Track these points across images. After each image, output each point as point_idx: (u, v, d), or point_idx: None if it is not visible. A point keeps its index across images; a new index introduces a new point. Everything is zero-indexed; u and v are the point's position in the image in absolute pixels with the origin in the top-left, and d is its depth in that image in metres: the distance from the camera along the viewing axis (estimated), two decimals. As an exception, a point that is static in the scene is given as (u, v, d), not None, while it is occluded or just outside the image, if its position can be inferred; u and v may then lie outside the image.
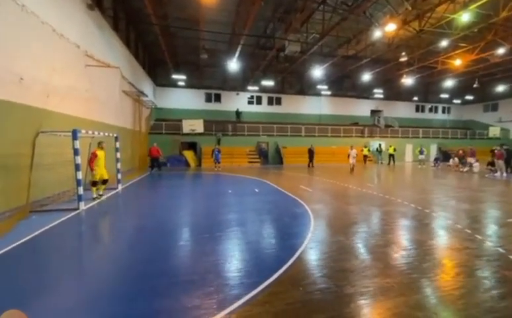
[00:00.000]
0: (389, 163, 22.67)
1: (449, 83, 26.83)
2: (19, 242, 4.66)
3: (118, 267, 3.98)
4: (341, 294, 3.09)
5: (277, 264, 3.82)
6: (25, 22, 6.18)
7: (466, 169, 16.80)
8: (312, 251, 4.37)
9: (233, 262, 3.94)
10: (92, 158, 8.09)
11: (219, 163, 17.95)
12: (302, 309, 2.83)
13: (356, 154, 17.29)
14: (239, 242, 4.80)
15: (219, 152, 18.19)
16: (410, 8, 11.45)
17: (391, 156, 22.50)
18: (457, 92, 32.24)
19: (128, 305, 2.92)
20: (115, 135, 9.97)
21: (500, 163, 14.21)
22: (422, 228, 5.66)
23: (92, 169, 8.11)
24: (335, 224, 5.91)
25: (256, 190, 10.22)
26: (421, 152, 21.49)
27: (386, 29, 12.72)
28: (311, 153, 20.49)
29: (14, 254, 4.27)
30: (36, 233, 5.16)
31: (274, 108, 28.54)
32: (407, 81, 24.28)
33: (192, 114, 24.61)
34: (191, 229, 5.81)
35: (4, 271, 3.75)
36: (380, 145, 24.40)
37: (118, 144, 10.15)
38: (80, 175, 6.93)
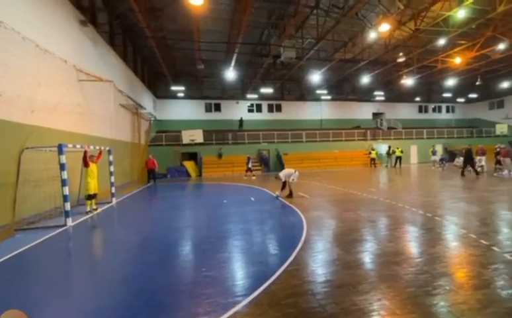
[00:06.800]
0: (394, 166, 22.16)
1: (451, 81, 26.26)
2: (-5, 264, 4.47)
3: (95, 285, 3.74)
4: (324, 314, 2.77)
5: (258, 281, 3.50)
6: (2, 38, 6.08)
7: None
8: (300, 264, 4.04)
9: (211, 281, 3.63)
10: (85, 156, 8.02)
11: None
12: (278, 333, 2.52)
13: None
14: (223, 257, 4.48)
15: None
16: (402, 8, 11.23)
17: (398, 158, 21.95)
18: (460, 90, 31.63)
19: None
20: (108, 148, 9.85)
21: (507, 161, 13.68)
22: (423, 235, 5.28)
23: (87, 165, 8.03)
24: (329, 234, 5.58)
25: (252, 199, 9.92)
26: (434, 153, 20.17)
27: (380, 30, 12.51)
28: (469, 154, 14.38)
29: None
30: (16, 252, 4.96)
31: (274, 116, 28.40)
32: (408, 81, 23.90)
33: (193, 124, 24.55)
34: (178, 243, 5.54)
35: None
36: (389, 147, 23.64)
37: (111, 158, 10.03)
38: (66, 191, 6.76)
